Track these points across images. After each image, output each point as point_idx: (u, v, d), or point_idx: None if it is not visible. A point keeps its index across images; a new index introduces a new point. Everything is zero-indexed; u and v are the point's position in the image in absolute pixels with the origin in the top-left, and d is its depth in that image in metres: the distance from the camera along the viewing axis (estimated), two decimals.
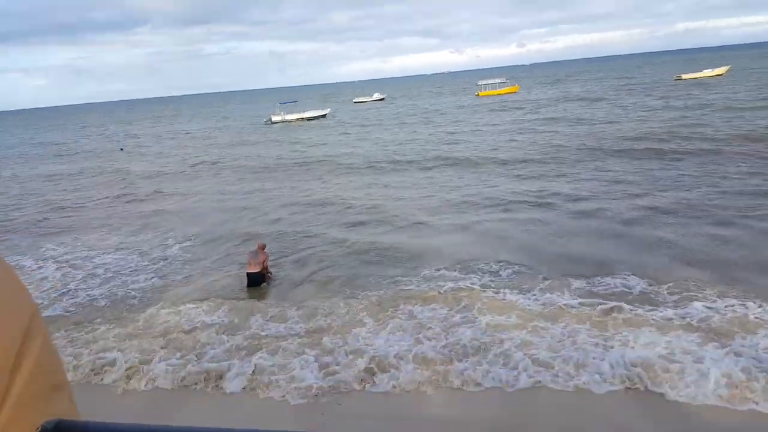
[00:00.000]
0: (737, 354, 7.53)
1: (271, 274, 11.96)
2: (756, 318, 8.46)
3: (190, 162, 33.75)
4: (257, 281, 11.54)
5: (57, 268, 14.19)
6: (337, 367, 8.00)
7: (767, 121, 26.47)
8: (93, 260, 14.66)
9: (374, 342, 8.63)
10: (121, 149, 46.85)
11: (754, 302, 8.93)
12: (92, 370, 8.56)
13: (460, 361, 7.91)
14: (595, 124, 32.47)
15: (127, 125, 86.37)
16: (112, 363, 8.66)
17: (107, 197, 24.01)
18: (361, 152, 30.40)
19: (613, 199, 16.08)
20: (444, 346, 8.35)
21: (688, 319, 8.61)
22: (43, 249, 16.23)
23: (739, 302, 9.01)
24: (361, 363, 8.01)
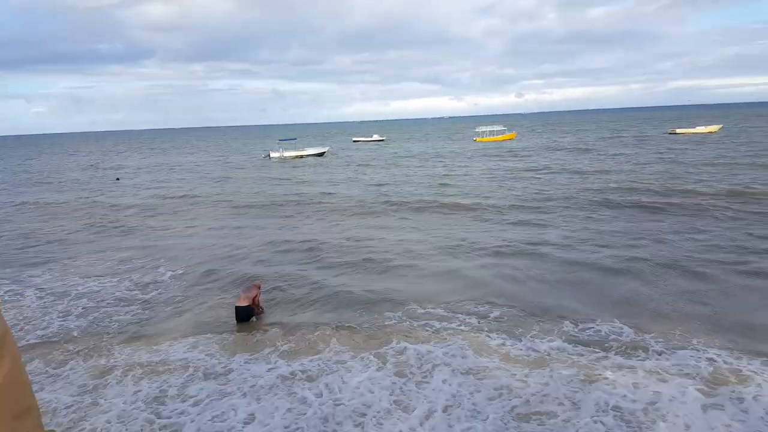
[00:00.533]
0: (722, 405, 7.48)
1: (262, 309, 11.85)
2: (742, 370, 8.45)
3: (179, 194, 33.88)
4: (246, 316, 11.40)
5: (37, 297, 13.90)
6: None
7: (753, 177, 26.99)
8: (76, 288, 14.43)
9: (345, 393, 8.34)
10: (117, 179, 46.94)
11: (738, 354, 8.99)
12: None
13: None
14: (588, 174, 32.95)
15: (123, 154, 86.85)
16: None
17: (92, 226, 23.95)
18: (354, 193, 30.41)
19: (602, 246, 16.19)
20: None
21: (677, 368, 8.61)
22: (24, 276, 15.99)
23: (726, 353, 9.05)
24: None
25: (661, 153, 44.26)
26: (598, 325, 10.52)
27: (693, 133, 67.88)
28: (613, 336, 10.02)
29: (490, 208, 23.51)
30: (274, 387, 8.53)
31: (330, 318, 11.51)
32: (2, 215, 28.34)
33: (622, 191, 25.47)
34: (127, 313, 12.51)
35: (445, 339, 10.00)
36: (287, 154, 61.87)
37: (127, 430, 7.47)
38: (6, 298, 13.97)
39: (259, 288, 12.00)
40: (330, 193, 30.38)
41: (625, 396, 7.79)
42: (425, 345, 9.80)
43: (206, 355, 9.88)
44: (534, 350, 9.50)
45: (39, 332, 11.46)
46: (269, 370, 9.17)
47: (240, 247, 18.62)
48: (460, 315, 11.29)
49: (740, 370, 8.45)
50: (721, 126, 70.85)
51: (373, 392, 8.22)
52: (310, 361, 9.38)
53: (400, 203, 25.84)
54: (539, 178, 32.63)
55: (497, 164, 43.31)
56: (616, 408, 7.49)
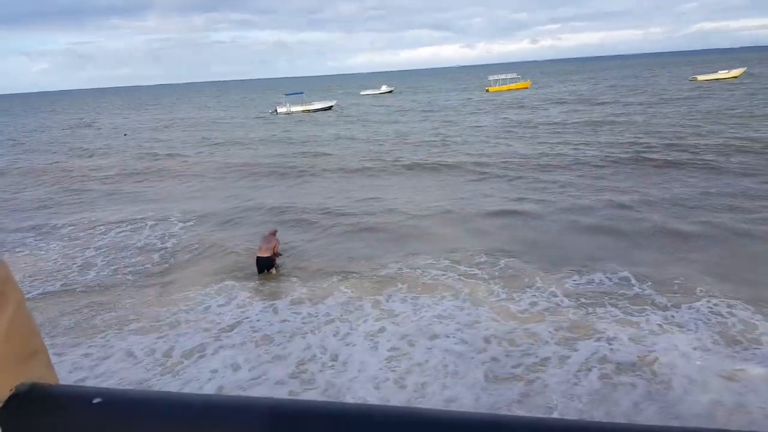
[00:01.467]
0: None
1: (280, 253, 12.02)
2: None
3: (190, 148, 33.60)
4: (266, 266, 11.62)
5: (62, 246, 14.72)
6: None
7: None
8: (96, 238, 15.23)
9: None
10: (125, 134, 46.82)
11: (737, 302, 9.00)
12: None
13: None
14: (603, 125, 31.89)
15: (134, 110, 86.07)
16: None
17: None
18: (357, 151, 29.40)
19: (608, 202, 16.00)
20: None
21: (678, 320, 8.66)
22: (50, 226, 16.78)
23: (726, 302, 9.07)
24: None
25: (677, 103, 42.45)
26: (600, 277, 10.55)
27: (715, 79, 65.20)
28: (614, 287, 10.08)
29: (493, 165, 22.64)
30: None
31: (338, 267, 11.91)
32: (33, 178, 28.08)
33: (632, 145, 24.45)
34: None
35: (442, 289, 10.25)
36: (294, 108, 60.82)
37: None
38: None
39: (276, 235, 12.04)
40: (328, 154, 29.26)
41: (619, 349, 7.81)
42: (422, 295, 10.06)
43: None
44: (532, 302, 9.57)
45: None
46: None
47: (248, 204, 18.59)
48: (460, 266, 11.43)
49: (746, 320, 8.47)
50: (744, 70, 67.96)
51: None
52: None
53: (408, 164, 24.73)
54: (552, 132, 31.57)
55: (506, 117, 41.86)
56: (606, 360, 7.52)
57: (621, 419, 6.16)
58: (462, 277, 10.80)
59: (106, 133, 49.45)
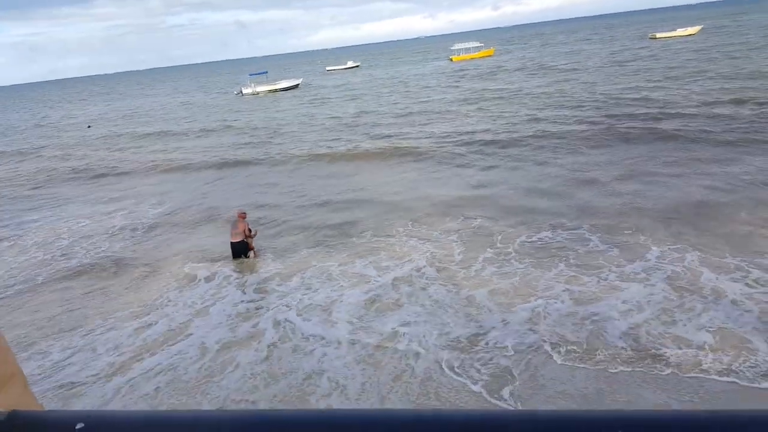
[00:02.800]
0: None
1: (255, 232, 11.95)
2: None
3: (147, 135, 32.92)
4: (240, 251, 11.52)
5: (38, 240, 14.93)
6: None
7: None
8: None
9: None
10: (89, 126, 45.69)
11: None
12: None
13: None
14: (564, 90, 32.54)
15: (89, 101, 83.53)
16: None
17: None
18: (321, 136, 28.33)
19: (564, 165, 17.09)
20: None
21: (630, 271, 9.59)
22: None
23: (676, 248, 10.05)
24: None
25: (635, 63, 43.42)
26: (560, 230, 11.55)
27: (673, 36, 66.77)
28: (570, 241, 10.99)
29: (460, 140, 22.97)
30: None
31: (311, 241, 12.51)
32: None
33: (587, 111, 25.00)
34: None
35: (405, 253, 11.07)
36: (260, 89, 59.96)
37: None
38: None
39: (244, 217, 11.83)
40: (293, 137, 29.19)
41: (565, 302, 8.59)
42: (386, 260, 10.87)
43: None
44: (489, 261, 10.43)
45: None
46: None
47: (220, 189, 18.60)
48: (424, 231, 12.31)
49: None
50: (701, 27, 69.64)
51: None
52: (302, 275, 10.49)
53: (374, 150, 24.25)
54: (504, 102, 31.74)
55: (468, 87, 42.16)
56: (550, 313, 8.28)
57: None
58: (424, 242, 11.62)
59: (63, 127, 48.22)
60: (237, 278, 10.82)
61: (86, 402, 7.13)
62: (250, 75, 65.60)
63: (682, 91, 26.68)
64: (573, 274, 9.38)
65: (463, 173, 17.46)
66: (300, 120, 34.31)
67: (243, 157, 23.83)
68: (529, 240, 11.13)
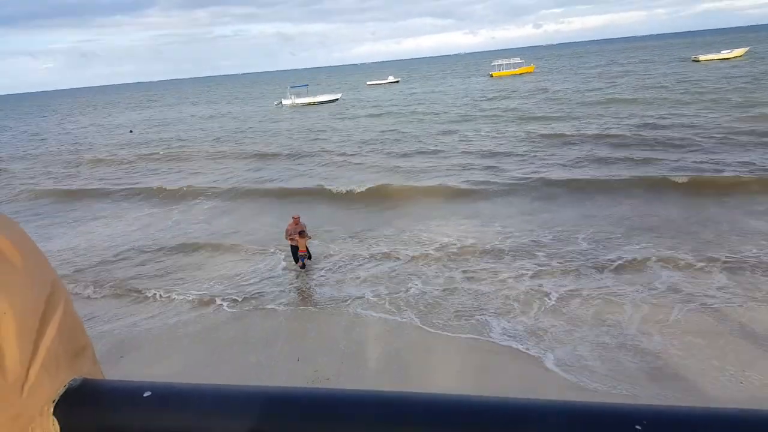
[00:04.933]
0: None
1: (309, 237, 12.00)
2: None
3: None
4: (301, 257, 11.74)
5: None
6: None
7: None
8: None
9: None
10: (131, 131, 47.44)
11: None
12: None
13: None
14: (604, 107, 31.77)
15: (145, 108, 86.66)
16: None
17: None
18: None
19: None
20: None
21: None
22: None
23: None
24: None
25: (671, 87, 42.21)
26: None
27: (717, 59, 64.87)
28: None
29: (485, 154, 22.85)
30: None
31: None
32: None
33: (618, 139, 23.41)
34: None
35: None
36: (299, 101, 60.79)
37: None
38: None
39: (297, 222, 11.84)
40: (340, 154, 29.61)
41: None
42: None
43: None
44: None
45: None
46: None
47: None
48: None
49: None
50: (747, 49, 67.48)
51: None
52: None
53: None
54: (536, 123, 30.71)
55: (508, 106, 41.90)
56: None
57: None
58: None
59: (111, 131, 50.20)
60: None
61: None
62: (291, 87, 66.65)
63: None
64: None
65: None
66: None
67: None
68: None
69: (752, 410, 0.49)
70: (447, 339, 8.42)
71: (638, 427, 0.49)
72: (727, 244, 11.09)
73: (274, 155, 27.60)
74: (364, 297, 10.15)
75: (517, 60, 79.83)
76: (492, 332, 8.49)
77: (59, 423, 0.59)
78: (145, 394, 0.60)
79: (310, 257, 11.89)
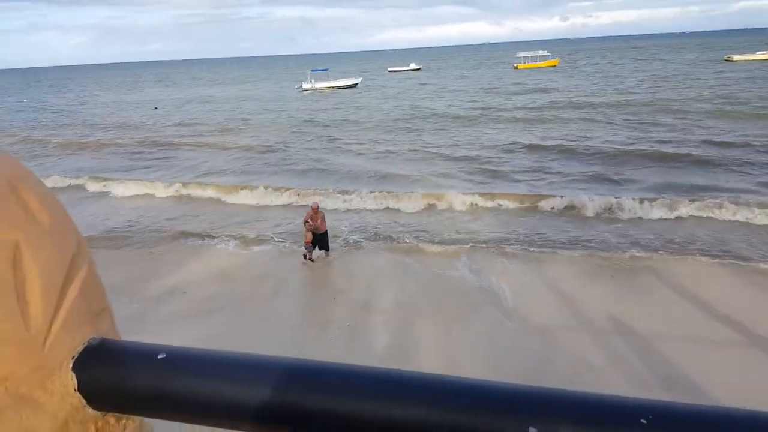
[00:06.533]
0: None
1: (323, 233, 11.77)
2: None
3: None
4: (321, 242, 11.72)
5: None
6: None
7: None
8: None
9: None
10: (155, 108, 47.78)
11: None
12: None
13: None
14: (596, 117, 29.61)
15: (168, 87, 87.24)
16: None
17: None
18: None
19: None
20: None
21: None
22: None
23: None
24: None
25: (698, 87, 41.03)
26: None
27: (753, 60, 62.85)
28: None
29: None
30: None
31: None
32: None
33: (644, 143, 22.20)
34: None
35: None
36: (319, 85, 60.87)
37: None
38: None
39: (316, 211, 11.68)
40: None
41: None
42: None
43: None
44: None
45: None
46: None
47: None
48: None
49: None
50: None
51: None
52: None
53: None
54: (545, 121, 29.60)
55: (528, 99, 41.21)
56: None
57: None
58: None
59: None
60: None
61: None
62: (312, 71, 66.48)
63: None
64: None
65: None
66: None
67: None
68: None
69: (762, 412, 0.48)
70: None
71: (644, 420, 0.49)
72: None
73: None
74: None
75: (543, 53, 78.79)
76: None
77: (77, 378, 0.61)
78: (159, 356, 0.62)
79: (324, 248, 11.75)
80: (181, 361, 0.63)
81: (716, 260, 10.55)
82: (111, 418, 0.65)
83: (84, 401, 0.62)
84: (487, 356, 7.54)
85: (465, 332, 8.25)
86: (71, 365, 0.62)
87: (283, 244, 12.75)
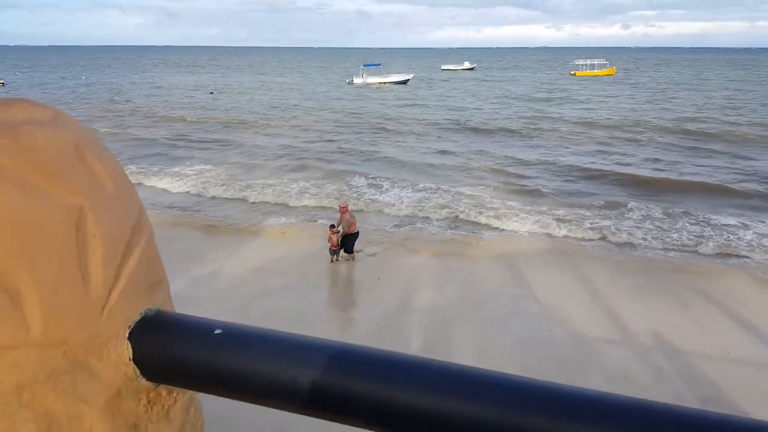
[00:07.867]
0: None
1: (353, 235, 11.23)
2: None
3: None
4: (343, 244, 11.18)
5: None
6: None
7: None
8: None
9: None
10: (211, 93, 49.02)
11: None
12: None
13: None
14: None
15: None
16: None
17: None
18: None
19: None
20: None
21: None
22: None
23: None
24: None
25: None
26: None
27: None
28: None
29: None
30: None
31: None
32: None
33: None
34: None
35: None
36: (370, 80, 60.41)
37: None
38: None
39: (345, 210, 11.31)
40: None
41: None
42: None
43: None
44: None
45: None
46: None
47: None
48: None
49: None
50: None
51: None
52: None
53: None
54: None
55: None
56: None
57: None
58: None
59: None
60: None
61: None
62: (364, 65, 66.28)
63: None
64: None
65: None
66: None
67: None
68: None
69: (763, 422, 0.47)
70: None
71: None
72: None
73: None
74: None
75: (601, 61, 76.87)
76: None
77: (132, 348, 0.61)
78: (216, 332, 0.62)
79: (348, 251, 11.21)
80: (238, 338, 0.62)
81: None
82: (163, 390, 0.65)
83: (138, 372, 0.61)
84: (525, 365, 7.34)
85: (502, 337, 8.09)
86: (127, 335, 0.61)
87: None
